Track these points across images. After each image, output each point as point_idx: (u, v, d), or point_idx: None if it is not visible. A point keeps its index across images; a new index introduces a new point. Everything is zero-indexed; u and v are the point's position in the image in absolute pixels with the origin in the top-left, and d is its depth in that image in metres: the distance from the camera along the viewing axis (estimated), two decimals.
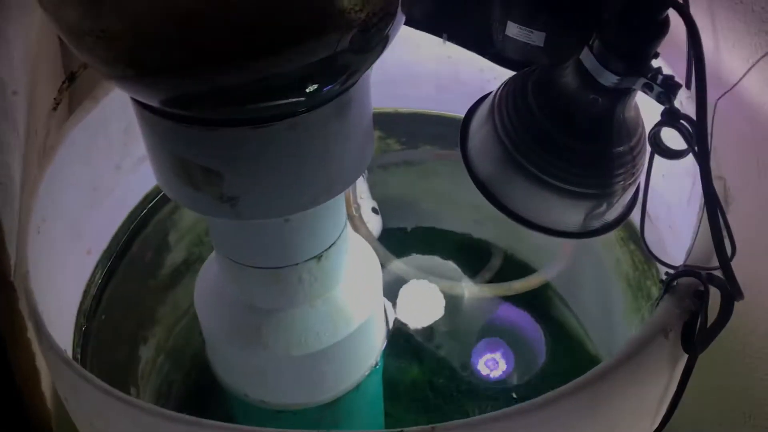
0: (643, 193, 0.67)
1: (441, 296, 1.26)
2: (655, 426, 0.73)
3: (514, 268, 1.33)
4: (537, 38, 0.65)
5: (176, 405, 1.26)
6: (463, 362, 1.29)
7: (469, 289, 1.15)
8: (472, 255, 1.35)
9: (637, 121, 0.63)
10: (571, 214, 0.66)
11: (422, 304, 1.26)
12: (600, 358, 1.23)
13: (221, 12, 0.45)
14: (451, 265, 1.36)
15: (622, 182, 0.63)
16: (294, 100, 0.55)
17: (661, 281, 0.67)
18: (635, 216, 0.70)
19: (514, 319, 1.33)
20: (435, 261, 1.38)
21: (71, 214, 0.85)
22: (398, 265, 1.15)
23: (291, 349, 0.77)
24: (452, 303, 1.25)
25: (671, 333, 0.62)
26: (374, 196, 1.26)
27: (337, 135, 0.61)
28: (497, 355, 1.33)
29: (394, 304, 1.14)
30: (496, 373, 1.31)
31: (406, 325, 1.23)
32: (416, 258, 1.37)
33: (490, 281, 1.27)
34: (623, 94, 0.59)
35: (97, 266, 0.94)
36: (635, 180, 0.65)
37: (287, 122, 0.56)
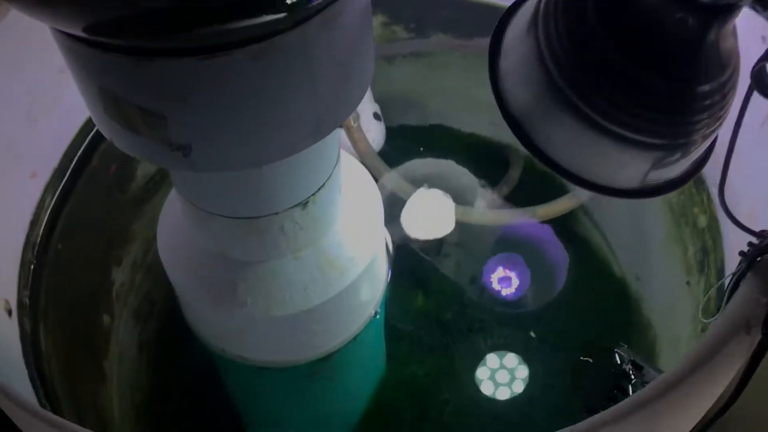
0: (730, 141, 0.51)
1: (452, 205, 1.11)
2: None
3: (535, 179, 1.17)
4: None
5: (159, 326, 1.16)
6: (473, 276, 1.17)
7: (482, 216, 1.00)
8: (488, 162, 1.20)
9: (732, 53, 0.45)
10: (630, 168, 0.50)
11: (431, 215, 1.12)
12: (627, 283, 1.10)
13: None
14: (463, 172, 1.21)
15: (704, 129, 0.47)
16: (257, 17, 0.38)
17: (742, 253, 0.52)
18: None
19: (533, 233, 1.19)
20: (445, 167, 1.23)
21: (2, 135, 0.70)
22: (402, 184, 1.00)
23: (272, 308, 0.64)
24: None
25: (753, 329, 0.48)
26: (376, 96, 1.09)
27: (320, 61, 0.44)
28: (512, 273, 1.20)
29: (398, 218, 1.01)
30: (508, 291, 1.18)
31: (411, 238, 1.10)
32: (425, 163, 1.22)
33: (509, 196, 1.12)
34: (723, 12, 0.42)
35: (46, 190, 0.79)
36: (719, 126, 0.48)
37: (250, 50, 0.40)
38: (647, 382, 0.72)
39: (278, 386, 0.77)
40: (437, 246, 1.16)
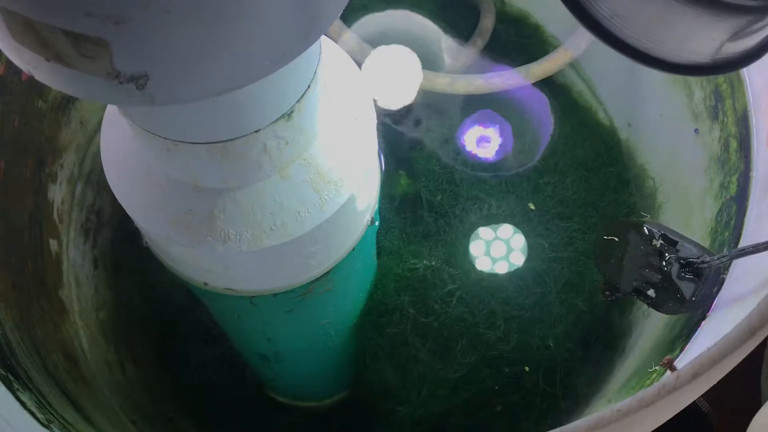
0: None
1: (418, 63, 0.99)
2: None
3: (509, 27, 1.04)
4: None
5: (111, 235, 1.04)
6: (447, 139, 1.06)
7: (467, 83, 0.87)
8: (454, 11, 1.05)
9: None
10: (704, 37, 0.40)
11: (394, 77, 0.99)
12: (617, 132, 1.02)
13: None
14: (426, 23, 1.07)
15: None
16: None
17: None
18: None
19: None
20: (405, 19, 1.09)
21: None
22: (359, 44, 0.86)
23: (262, 239, 0.53)
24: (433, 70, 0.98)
25: None
26: None
27: None
28: (490, 131, 1.09)
29: None
30: (488, 153, 1.09)
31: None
32: (384, 16, 1.08)
33: (485, 50, 0.99)
34: None
35: None
36: None
37: None
38: (684, 259, 0.65)
39: (270, 311, 0.67)
40: (404, 113, 1.05)
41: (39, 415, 0.56)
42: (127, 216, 0.98)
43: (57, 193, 0.89)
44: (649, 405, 0.34)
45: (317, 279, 0.63)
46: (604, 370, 0.82)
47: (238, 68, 0.34)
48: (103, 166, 0.56)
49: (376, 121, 0.59)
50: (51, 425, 0.57)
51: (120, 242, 1.06)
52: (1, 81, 0.72)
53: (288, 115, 0.47)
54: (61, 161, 0.89)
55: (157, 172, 0.52)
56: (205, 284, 0.61)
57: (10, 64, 0.73)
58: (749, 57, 0.42)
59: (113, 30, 0.30)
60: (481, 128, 1.09)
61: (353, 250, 0.65)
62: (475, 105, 1.08)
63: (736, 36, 0.40)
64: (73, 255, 0.94)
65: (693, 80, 0.83)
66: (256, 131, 0.46)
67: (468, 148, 1.07)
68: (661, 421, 0.40)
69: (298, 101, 0.47)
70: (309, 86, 0.47)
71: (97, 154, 0.96)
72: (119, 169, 0.55)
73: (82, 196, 0.96)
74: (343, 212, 0.56)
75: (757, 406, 0.79)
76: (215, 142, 0.46)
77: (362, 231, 0.64)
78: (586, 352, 0.81)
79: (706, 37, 0.40)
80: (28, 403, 0.57)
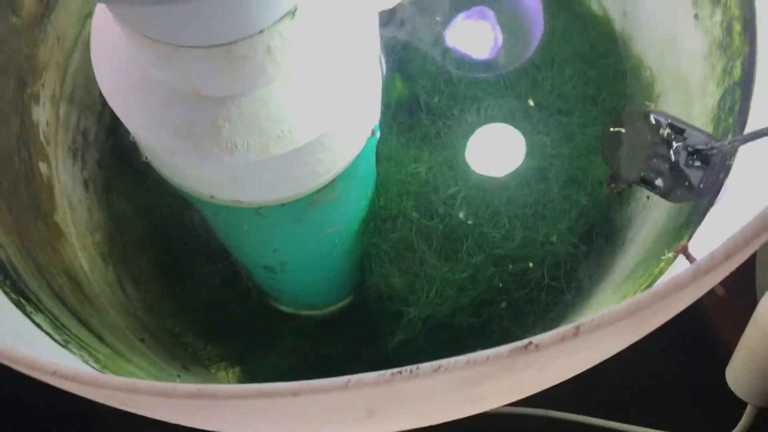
0: None
1: None
2: None
3: None
4: None
5: (99, 156, 1.01)
6: (436, 38, 1.03)
7: None
8: None
9: None
10: None
11: None
12: (612, 21, 0.99)
13: None
14: None
15: None
16: None
17: None
18: None
19: None
20: None
21: None
22: None
23: (270, 147, 0.51)
24: None
25: None
26: None
27: None
28: (481, 27, 1.06)
29: None
30: (480, 52, 1.06)
31: None
32: None
33: None
34: None
35: None
36: None
37: None
38: (691, 146, 0.65)
39: (277, 221, 0.67)
40: (388, 13, 1.01)
41: (56, 337, 0.56)
42: (115, 135, 0.96)
43: (41, 114, 0.86)
44: (684, 287, 0.34)
45: (323, 187, 0.63)
46: (606, 262, 0.83)
47: None
48: (97, 79, 0.54)
49: (378, 21, 0.56)
50: (68, 345, 0.57)
51: (109, 162, 1.04)
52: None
53: (292, 13, 0.45)
54: (42, 81, 0.86)
55: (156, 82, 0.50)
56: (212, 197, 0.60)
57: None
58: None
59: None
60: (472, 23, 1.06)
61: (357, 156, 0.64)
62: (461, 2, 1.04)
63: None
64: (64, 178, 0.92)
65: None
66: (261, 32, 0.44)
67: (459, 47, 1.04)
68: (687, 303, 0.40)
69: None
70: None
71: (78, 72, 0.94)
72: (115, 82, 0.52)
73: (66, 116, 0.93)
74: (350, 114, 0.55)
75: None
76: (218, 45, 0.44)
77: (366, 136, 0.62)
78: (589, 245, 0.81)
79: None
80: (43, 325, 0.57)
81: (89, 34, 0.91)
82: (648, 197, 0.84)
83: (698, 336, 1.01)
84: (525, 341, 0.33)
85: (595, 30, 0.97)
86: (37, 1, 0.81)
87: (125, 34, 0.47)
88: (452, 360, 0.33)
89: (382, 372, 0.33)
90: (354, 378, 0.33)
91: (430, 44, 1.01)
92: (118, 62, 0.51)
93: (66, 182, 0.93)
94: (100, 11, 0.54)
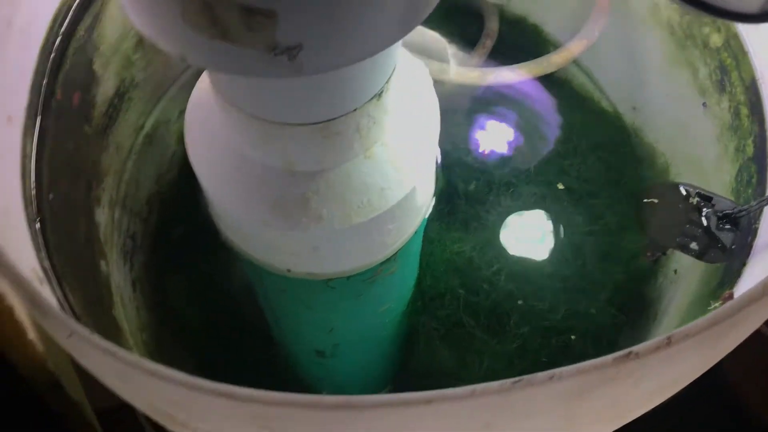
0: None
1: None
2: None
3: (510, 27, 1.11)
4: None
5: (145, 259, 1.06)
6: (460, 136, 1.11)
7: (496, 75, 0.93)
8: (457, 19, 1.11)
9: None
10: None
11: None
12: (622, 116, 1.08)
13: None
14: (433, 36, 1.13)
15: None
16: None
17: None
18: None
19: (512, 84, 1.14)
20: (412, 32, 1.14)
21: None
22: None
23: (352, 216, 0.57)
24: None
25: None
26: None
27: None
28: (501, 127, 1.15)
29: None
30: (501, 147, 1.14)
31: None
32: None
33: (493, 52, 1.05)
34: None
35: (25, 135, 0.67)
36: None
37: None
38: (720, 211, 0.71)
39: (341, 295, 0.71)
40: None
41: None
42: (157, 243, 1.01)
43: (101, 216, 0.92)
44: (759, 299, 0.39)
45: (386, 260, 0.68)
46: (643, 334, 0.87)
47: (374, 39, 0.39)
48: (190, 158, 0.60)
49: (438, 105, 0.64)
50: None
51: (154, 266, 1.09)
52: (58, 106, 0.75)
53: (379, 95, 0.52)
54: (103, 185, 0.92)
55: (251, 160, 0.56)
56: (288, 271, 0.65)
57: (65, 89, 0.76)
58: None
59: (291, 4, 0.34)
60: (495, 123, 1.15)
61: (416, 231, 0.69)
62: (482, 102, 1.13)
63: None
64: (117, 277, 0.97)
65: (696, 58, 0.90)
66: (354, 110, 0.50)
67: (485, 144, 1.13)
68: (761, 319, 0.44)
69: (387, 81, 0.52)
70: (395, 67, 0.52)
71: (130, 179, 1.01)
72: (208, 161, 0.58)
73: (119, 220, 0.99)
74: (416, 190, 0.61)
75: None
76: (317, 123, 0.50)
77: (427, 211, 0.68)
78: (627, 316, 0.86)
79: None
80: None
81: (140, 144, 0.99)
82: (675, 271, 0.90)
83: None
84: (626, 351, 0.38)
85: (608, 123, 1.06)
86: (104, 114, 0.89)
87: (224, 113, 0.53)
88: (563, 369, 0.37)
89: (503, 381, 0.37)
90: (479, 387, 0.37)
91: (458, 138, 1.10)
92: (213, 142, 0.58)
93: (119, 281, 0.97)
94: (199, 91, 0.61)
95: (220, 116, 0.55)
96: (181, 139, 1.09)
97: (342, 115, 0.50)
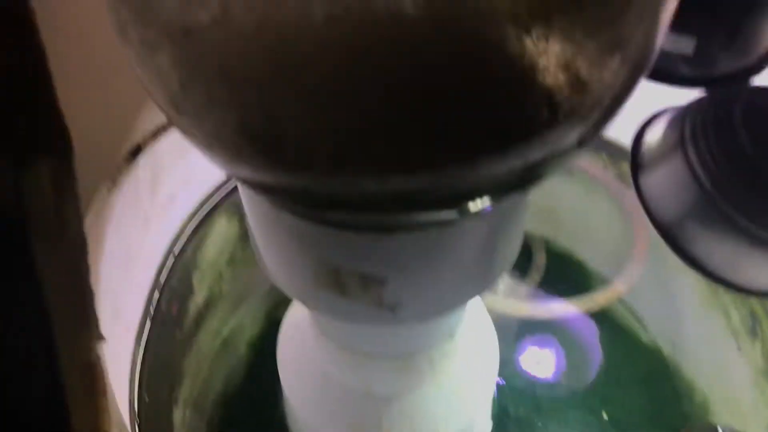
0: None
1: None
2: None
3: (556, 262, 1.22)
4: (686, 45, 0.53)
5: None
6: (505, 360, 1.18)
7: (546, 309, 1.03)
8: None
9: None
10: None
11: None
12: (661, 350, 1.15)
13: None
14: None
15: None
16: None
17: None
18: None
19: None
20: None
21: (110, 293, 0.69)
22: None
23: None
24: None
25: None
26: None
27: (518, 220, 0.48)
28: (545, 353, 1.22)
29: None
30: (545, 373, 1.21)
31: None
32: None
33: (540, 283, 1.16)
34: None
35: (136, 342, 0.77)
36: None
37: (482, 216, 0.43)
38: None
39: None
40: None
41: None
42: None
43: (177, 415, 0.99)
44: None
45: None
46: None
47: (461, 296, 0.49)
48: (281, 376, 0.68)
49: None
50: None
51: None
52: (161, 316, 0.86)
53: (452, 333, 0.61)
54: (182, 388, 1.01)
55: (335, 381, 0.65)
56: None
57: (168, 301, 0.87)
58: None
59: (397, 273, 0.45)
60: (541, 348, 1.22)
61: None
62: (529, 327, 1.22)
63: None
64: None
65: (729, 303, 0.99)
66: (431, 347, 0.60)
67: (530, 367, 1.20)
68: None
69: (460, 322, 0.61)
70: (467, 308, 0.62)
71: (204, 382, 1.09)
72: (297, 381, 0.67)
73: (190, 420, 1.06)
74: (477, 419, 0.68)
75: None
76: (397, 357, 0.59)
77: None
78: None
79: None
80: None
81: (217, 349, 1.09)
82: None
83: None
84: None
85: (649, 357, 1.13)
86: (193, 321, 0.99)
87: (317, 340, 0.63)
88: None
89: None
90: None
91: (507, 364, 1.17)
92: (302, 361, 0.67)
93: None
94: (293, 315, 0.71)
95: (313, 341, 0.65)
96: (251, 346, 1.19)
97: (420, 352, 0.59)
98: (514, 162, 0.32)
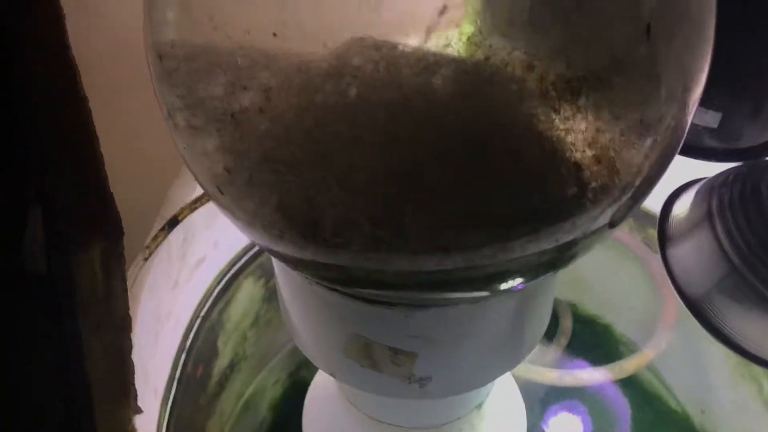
0: None
1: None
2: None
3: (584, 326, 1.21)
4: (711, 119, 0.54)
5: None
6: (533, 425, 1.17)
7: (573, 377, 1.02)
8: None
9: None
10: None
11: None
12: (691, 417, 1.13)
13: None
14: None
15: None
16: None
17: None
18: None
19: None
20: None
21: (140, 357, 0.69)
22: None
23: None
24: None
25: None
26: None
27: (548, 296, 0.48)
28: (574, 418, 1.21)
29: None
30: None
31: None
32: None
33: (567, 347, 1.15)
34: None
35: (162, 404, 0.78)
36: None
37: (510, 294, 0.43)
38: None
39: None
40: None
41: None
42: None
43: None
44: None
45: None
46: None
47: (488, 374, 0.49)
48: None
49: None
50: None
51: None
52: (187, 378, 0.87)
53: (479, 405, 0.61)
54: None
55: None
56: None
57: (194, 363, 0.88)
58: None
59: (428, 348, 0.45)
60: (566, 416, 1.21)
61: None
62: (555, 392, 1.20)
63: None
64: None
65: (761, 372, 0.97)
66: (458, 418, 0.59)
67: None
68: None
69: (487, 395, 0.61)
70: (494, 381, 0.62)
71: None
72: None
73: None
74: None
75: None
76: (422, 429, 0.59)
77: None
78: None
79: None
80: None
81: (239, 410, 1.09)
82: None
83: None
84: None
85: (677, 424, 1.10)
86: (216, 383, 1.00)
87: (345, 410, 0.62)
88: None
89: None
90: None
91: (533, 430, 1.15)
92: (331, 421, 0.67)
93: None
94: (320, 383, 0.71)
95: (340, 411, 0.65)
96: (271, 407, 1.19)
97: (448, 423, 0.59)
98: (545, 243, 0.33)
